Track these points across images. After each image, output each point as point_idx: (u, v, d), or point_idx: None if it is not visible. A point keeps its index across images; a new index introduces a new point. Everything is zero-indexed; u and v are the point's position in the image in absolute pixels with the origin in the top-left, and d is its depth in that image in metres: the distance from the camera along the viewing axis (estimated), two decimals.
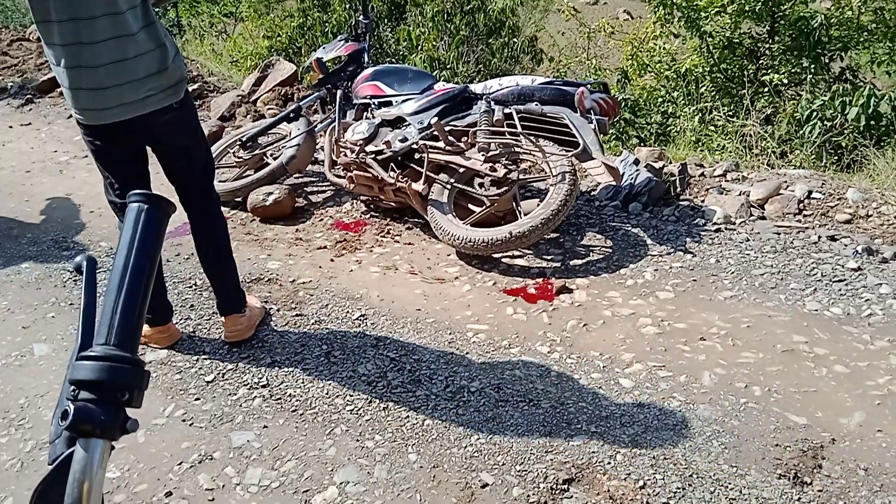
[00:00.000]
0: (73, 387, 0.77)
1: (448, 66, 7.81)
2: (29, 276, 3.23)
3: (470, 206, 3.46)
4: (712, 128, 5.96)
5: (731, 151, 5.33)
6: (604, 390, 2.40)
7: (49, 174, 4.50)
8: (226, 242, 2.68)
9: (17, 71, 6.82)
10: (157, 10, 2.39)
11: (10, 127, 5.39)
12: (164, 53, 2.31)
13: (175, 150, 2.51)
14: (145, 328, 2.64)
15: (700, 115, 6.14)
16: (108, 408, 0.76)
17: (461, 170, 3.47)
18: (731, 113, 6.04)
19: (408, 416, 2.31)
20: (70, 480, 0.73)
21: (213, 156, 4.25)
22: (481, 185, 3.44)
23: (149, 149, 2.52)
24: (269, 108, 5.37)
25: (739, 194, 3.69)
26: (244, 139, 4.21)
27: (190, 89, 4.65)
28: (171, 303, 2.73)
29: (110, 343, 0.79)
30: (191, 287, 3.11)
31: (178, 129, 2.46)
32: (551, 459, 2.11)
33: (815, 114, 5.17)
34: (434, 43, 8.02)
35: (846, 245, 3.24)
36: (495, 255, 3.30)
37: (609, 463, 2.08)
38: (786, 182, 3.79)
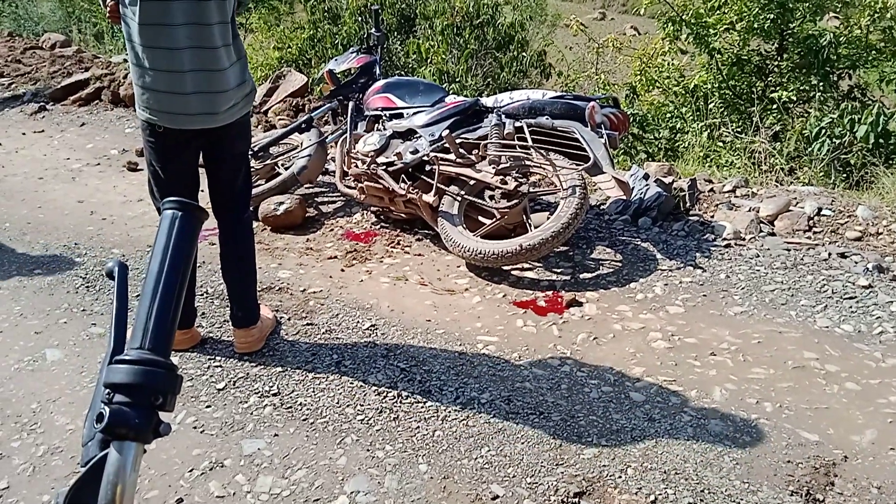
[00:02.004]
0: (107, 390, 0.78)
1: (457, 80, 7.86)
2: (41, 281, 3.25)
3: (480, 218, 3.47)
4: (720, 144, 5.96)
5: (739, 167, 5.33)
6: (614, 404, 2.40)
7: (62, 181, 4.53)
8: (253, 257, 2.72)
9: (30, 79, 6.89)
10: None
11: (24, 134, 5.43)
12: (245, 65, 2.45)
13: (234, 158, 2.59)
14: None
15: (708, 130, 6.15)
16: (142, 411, 0.77)
17: (472, 182, 3.49)
18: (739, 129, 6.05)
19: (418, 427, 2.31)
20: (104, 483, 0.74)
21: None
22: (492, 197, 3.45)
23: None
24: (280, 119, 5.41)
25: (749, 210, 3.70)
26: (256, 149, 4.24)
27: None
28: (196, 308, 2.75)
29: (145, 347, 0.80)
30: (202, 295, 3.12)
31: (243, 136, 2.58)
32: (562, 472, 2.10)
33: (823, 131, 5.18)
34: (443, 56, 8.07)
35: (856, 262, 3.24)
36: (505, 268, 3.31)
37: (620, 477, 2.08)
38: (795, 199, 3.80)
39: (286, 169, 4.08)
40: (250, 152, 4.20)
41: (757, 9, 6.23)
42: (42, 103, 6.07)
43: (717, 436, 2.24)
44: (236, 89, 2.40)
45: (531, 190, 3.39)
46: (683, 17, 6.61)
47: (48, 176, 4.61)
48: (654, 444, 2.21)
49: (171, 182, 2.51)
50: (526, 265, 3.34)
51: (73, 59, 7.14)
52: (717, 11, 6.54)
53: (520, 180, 3.35)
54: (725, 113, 6.57)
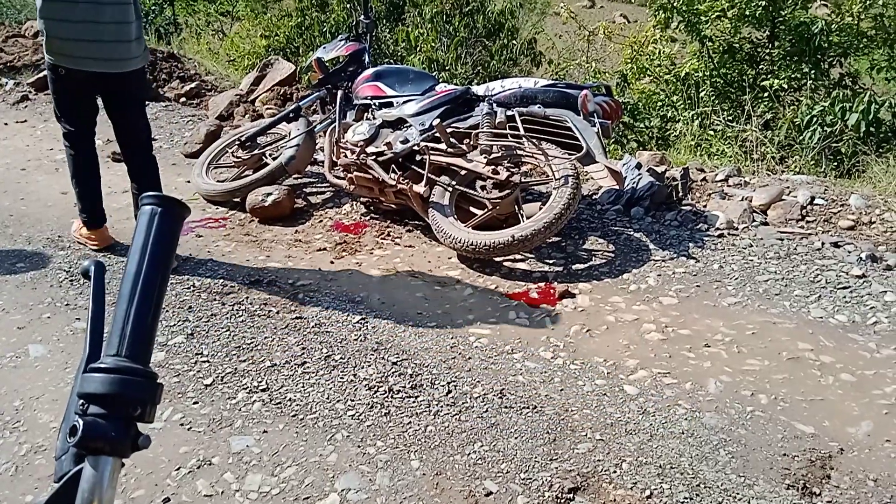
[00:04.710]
0: (81, 400, 0.73)
1: (447, 68, 7.79)
2: (24, 275, 3.18)
3: (471, 208, 3.43)
4: (712, 132, 5.94)
5: (730, 156, 5.32)
6: (608, 397, 2.38)
7: (45, 172, 4.44)
8: (160, 185, 3.33)
9: (12, 68, 6.76)
10: None
11: (6, 124, 5.33)
12: (141, 26, 3.09)
13: (138, 104, 3.28)
14: (84, 230, 3.40)
15: (700, 119, 6.13)
16: (119, 423, 0.72)
17: (463, 172, 3.45)
18: (730, 118, 6.03)
19: (409, 422, 2.27)
20: (78, 499, 0.69)
21: (212, 155, 4.24)
22: (483, 187, 3.41)
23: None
24: (267, 108, 5.33)
25: (742, 200, 3.68)
26: (243, 139, 4.18)
27: (187, 88, 5.14)
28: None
29: (122, 354, 0.74)
30: (188, 288, 3.07)
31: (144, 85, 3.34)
32: (556, 467, 2.08)
33: (815, 119, 5.16)
34: (433, 44, 7.99)
35: (850, 252, 3.22)
36: (497, 259, 3.27)
37: (615, 472, 2.05)
38: (788, 188, 3.77)
39: (274, 159, 4.01)
40: (237, 142, 4.17)
41: None
42: (25, 93, 5.96)
43: (712, 429, 2.21)
44: (136, 42, 3.03)
45: (523, 180, 3.35)
46: (674, 4, 6.57)
47: (31, 167, 4.52)
48: (648, 437, 2.18)
49: (79, 117, 3.17)
50: (518, 256, 3.30)
51: None
52: None
53: (511, 170, 3.30)
54: (717, 101, 6.55)
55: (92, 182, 3.33)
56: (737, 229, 3.48)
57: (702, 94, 6.69)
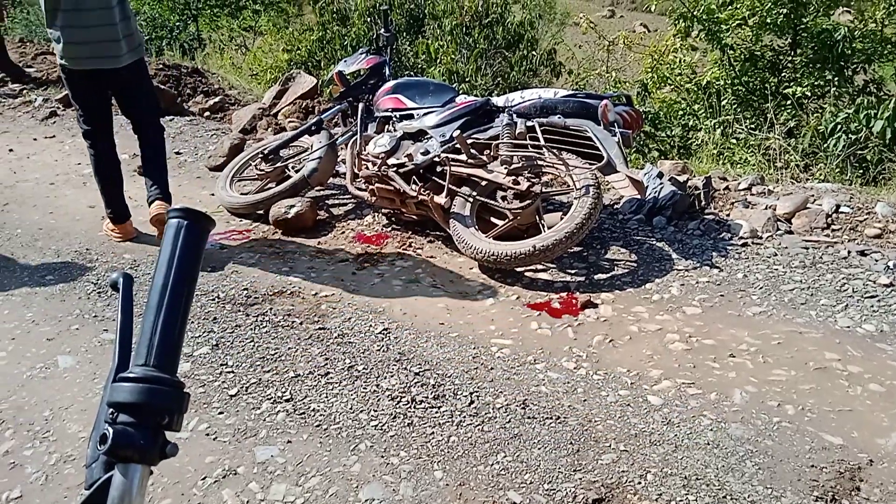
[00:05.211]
0: (111, 409, 0.74)
1: (467, 79, 7.83)
2: (53, 287, 3.24)
3: (492, 219, 3.44)
4: (734, 141, 5.90)
5: (753, 165, 5.27)
6: (632, 407, 2.36)
7: (73, 186, 4.53)
8: (165, 154, 3.77)
9: (41, 83, 6.91)
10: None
11: (35, 139, 5.45)
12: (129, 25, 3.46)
13: (142, 91, 3.65)
14: (110, 223, 3.74)
15: (722, 127, 6.09)
16: (147, 432, 0.73)
17: (483, 183, 3.46)
18: (753, 126, 5.98)
19: (432, 433, 2.28)
20: None
21: (236, 168, 4.30)
22: (504, 198, 3.42)
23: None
24: (290, 121, 5.40)
25: (766, 208, 3.64)
26: (266, 152, 4.23)
27: (211, 102, 5.33)
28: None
29: (150, 364, 0.76)
30: (213, 300, 3.10)
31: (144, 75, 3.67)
32: (580, 478, 2.06)
33: (839, 127, 5.12)
34: (453, 56, 8.04)
35: (877, 260, 3.18)
36: (518, 269, 3.27)
37: (640, 483, 2.04)
38: (813, 196, 3.74)
39: (297, 172, 4.06)
40: (260, 155, 4.22)
41: (770, 3, 6.16)
42: (53, 108, 6.08)
43: (738, 440, 2.19)
44: (125, 40, 3.41)
45: (544, 190, 3.35)
46: (695, 13, 6.56)
47: (59, 181, 4.61)
48: (673, 448, 2.17)
49: (89, 110, 3.54)
50: (539, 266, 3.30)
51: None
52: (729, 7, 6.47)
53: (532, 180, 3.31)
54: (739, 109, 6.51)
55: (113, 177, 3.68)
56: (761, 238, 3.45)
57: (723, 102, 6.66)
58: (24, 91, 6.72)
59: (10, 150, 5.18)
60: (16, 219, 4.03)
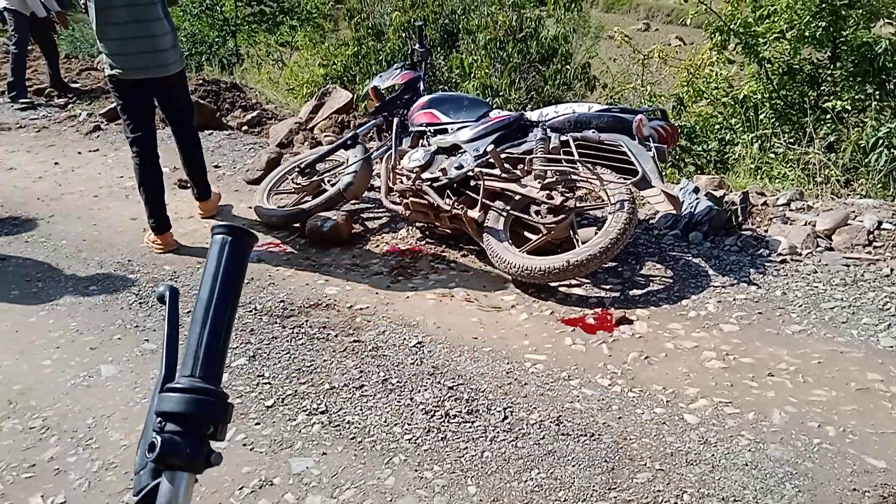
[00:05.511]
0: (159, 418, 0.77)
1: (500, 94, 7.85)
2: (96, 298, 3.33)
3: (526, 233, 3.44)
4: (772, 155, 5.81)
5: (792, 180, 5.18)
6: (668, 426, 2.34)
7: (116, 199, 4.65)
8: (202, 153, 4.11)
9: (86, 98, 7.12)
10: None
11: (79, 153, 5.60)
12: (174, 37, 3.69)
13: (180, 98, 3.91)
14: (152, 234, 3.85)
15: (759, 142, 6.00)
16: (193, 441, 0.76)
17: (517, 197, 3.46)
18: (791, 140, 5.89)
19: (466, 448, 2.28)
20: None
21: (273, 181, 4.37)
22: (538, 212, 3.42)
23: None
24: (326, 136, 5.47)
25: (805, 224, 3.59)
26: (302, 166, 4.29)
27: (249, 117, 5.51)
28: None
29: (196, 375, 0.79)
30: (250, 311, 3.15)
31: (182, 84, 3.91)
32: (615, 497, 2.05)
33: (880, 141, 5.00)
34: (487, 70, 8.08)
35: None
36: (552, 284, 3.26)
37: (676, 503, 2.01)
38: (854, 212, 3.67)
39: (332, 185, 4.11)
40: (297, 168, 4.30)
41: (808, 16, 6.07)
42: (97, 122, 6.26)
43: (777, 461, 2.15)
44: (171, 50, 3.65)
45: (578, 205, 3.35)
46: (731, 26, 6.49)
47: (103, 194, 4.74)
48: (710, 468, 2.14)
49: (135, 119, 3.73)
50: (574, 281, 3.29)
51: None
52: (767, 20, 6.39)
53: (566, 195, 3.30)
54: (777, 123, 6.41)
55: (156, 188, 3.82)
56: (800, 255, 3.39)
57: (761, 116, 6.56)
58: (70, 105, 6.93)
59: (56, 164, 5.34)
60: (61, 230, 4.15)
